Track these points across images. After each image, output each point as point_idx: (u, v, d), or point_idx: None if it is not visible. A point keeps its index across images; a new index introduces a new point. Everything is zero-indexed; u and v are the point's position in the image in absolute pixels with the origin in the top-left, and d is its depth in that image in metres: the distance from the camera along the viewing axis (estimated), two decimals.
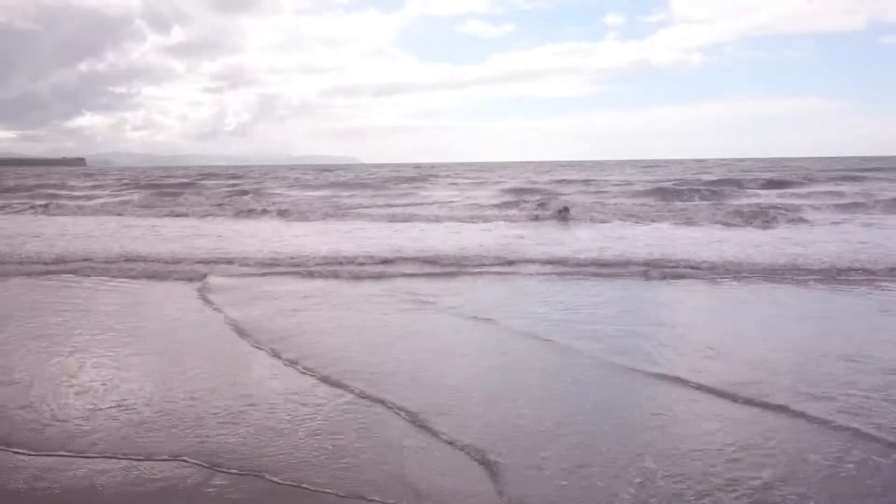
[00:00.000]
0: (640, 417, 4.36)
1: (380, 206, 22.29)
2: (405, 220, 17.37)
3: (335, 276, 9.18)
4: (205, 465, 3.66)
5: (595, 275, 8.99)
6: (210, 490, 3.40)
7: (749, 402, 4.39)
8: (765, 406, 4.34)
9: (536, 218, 17.28)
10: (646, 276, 8.87)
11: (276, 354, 5.56)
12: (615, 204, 21.05)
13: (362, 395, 4.56)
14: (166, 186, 38.01)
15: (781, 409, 4.27)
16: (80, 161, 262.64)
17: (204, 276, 9.19)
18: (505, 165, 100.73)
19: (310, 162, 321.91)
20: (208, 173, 61.31)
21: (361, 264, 10.01)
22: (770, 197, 24.70)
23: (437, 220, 17.50)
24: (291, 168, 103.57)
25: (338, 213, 19.88)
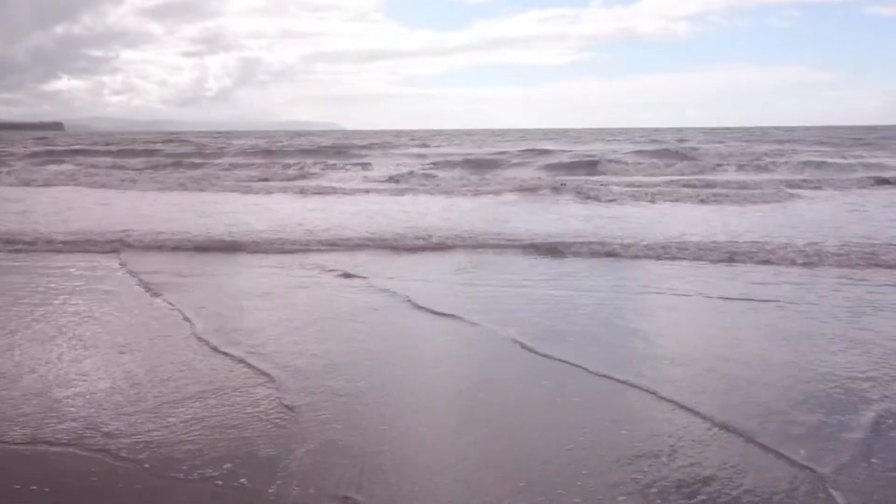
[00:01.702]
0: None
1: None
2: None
3: None
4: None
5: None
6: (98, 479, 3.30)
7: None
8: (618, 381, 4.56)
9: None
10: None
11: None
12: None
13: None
14: (101, 154, 36.63)
15: (647, 390, 4.42)
16: (57, 125, 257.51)
17: None
18: (484, 132, 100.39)
19: (291, 128, 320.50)
20: (169, 139, 60.31)
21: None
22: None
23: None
24: (261, 133, 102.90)
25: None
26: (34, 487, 3.30)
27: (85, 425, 3.93)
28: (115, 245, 9.86)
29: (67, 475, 3.40)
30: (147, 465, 3.47)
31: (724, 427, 3.86)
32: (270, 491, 3.25)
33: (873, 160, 28.06)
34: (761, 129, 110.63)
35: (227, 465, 3.46)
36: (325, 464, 3.48)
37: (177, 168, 29.66)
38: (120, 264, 8.72)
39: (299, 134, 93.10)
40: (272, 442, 3.75)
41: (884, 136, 55.20)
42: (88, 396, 4.35)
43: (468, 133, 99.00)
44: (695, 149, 35.73)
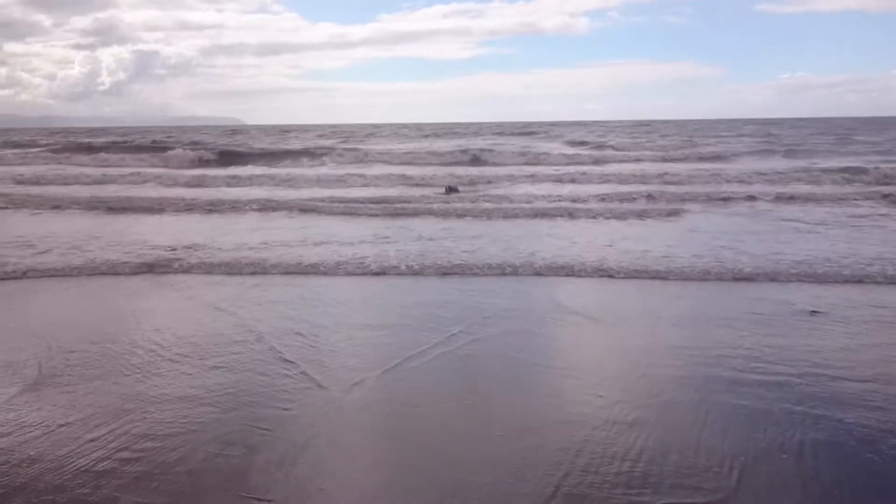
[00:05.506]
0: None
1: None
2: None
3: None
4: None
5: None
6: None
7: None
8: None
9: None
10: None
11: None
12: None
13: None
14: None
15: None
16: None
17: None
18: (390, 126, 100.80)
19: (190, 123, 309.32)
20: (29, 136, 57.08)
21: None
22: None
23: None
24: (147, 129, 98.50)
25: None
26: None
27: None
28: None
29: None
30: None
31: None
32: None
33: None
34: (653, 122, 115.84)
35: None
36: None
37: None
38: None
39: (201, 130, 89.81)
40: None
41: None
42: None
43: (377, 127, 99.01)
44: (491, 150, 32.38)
